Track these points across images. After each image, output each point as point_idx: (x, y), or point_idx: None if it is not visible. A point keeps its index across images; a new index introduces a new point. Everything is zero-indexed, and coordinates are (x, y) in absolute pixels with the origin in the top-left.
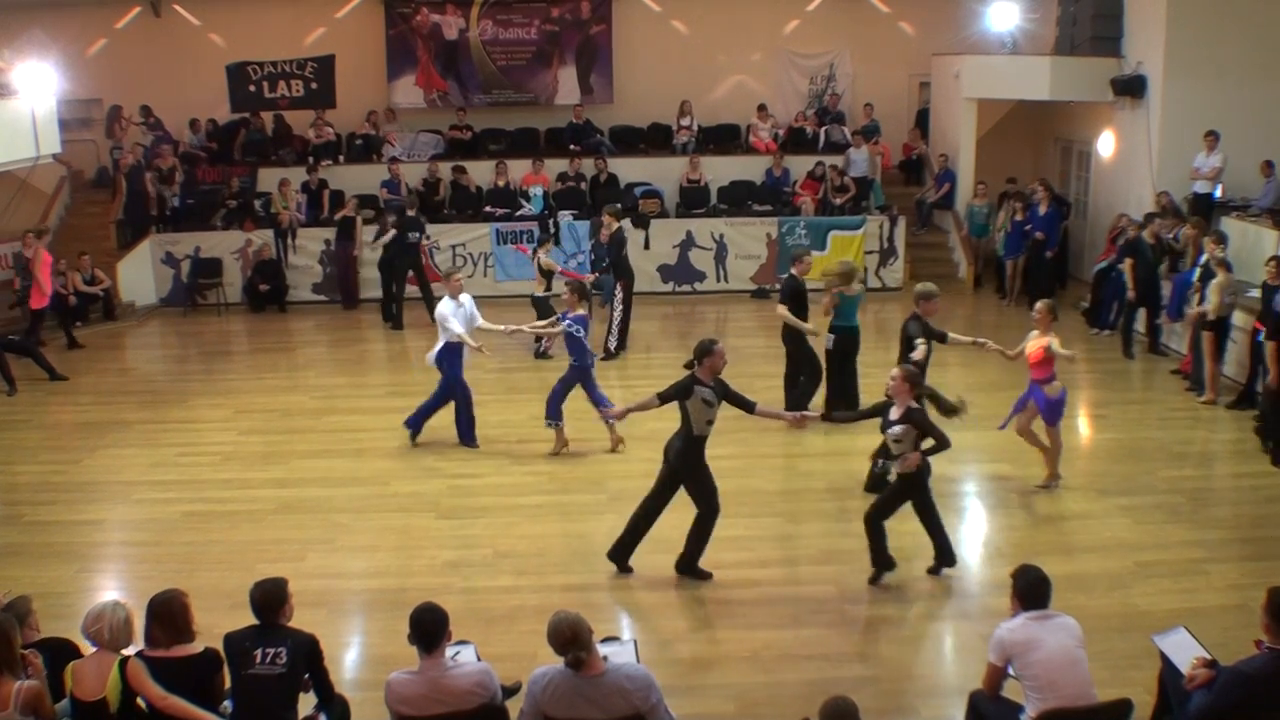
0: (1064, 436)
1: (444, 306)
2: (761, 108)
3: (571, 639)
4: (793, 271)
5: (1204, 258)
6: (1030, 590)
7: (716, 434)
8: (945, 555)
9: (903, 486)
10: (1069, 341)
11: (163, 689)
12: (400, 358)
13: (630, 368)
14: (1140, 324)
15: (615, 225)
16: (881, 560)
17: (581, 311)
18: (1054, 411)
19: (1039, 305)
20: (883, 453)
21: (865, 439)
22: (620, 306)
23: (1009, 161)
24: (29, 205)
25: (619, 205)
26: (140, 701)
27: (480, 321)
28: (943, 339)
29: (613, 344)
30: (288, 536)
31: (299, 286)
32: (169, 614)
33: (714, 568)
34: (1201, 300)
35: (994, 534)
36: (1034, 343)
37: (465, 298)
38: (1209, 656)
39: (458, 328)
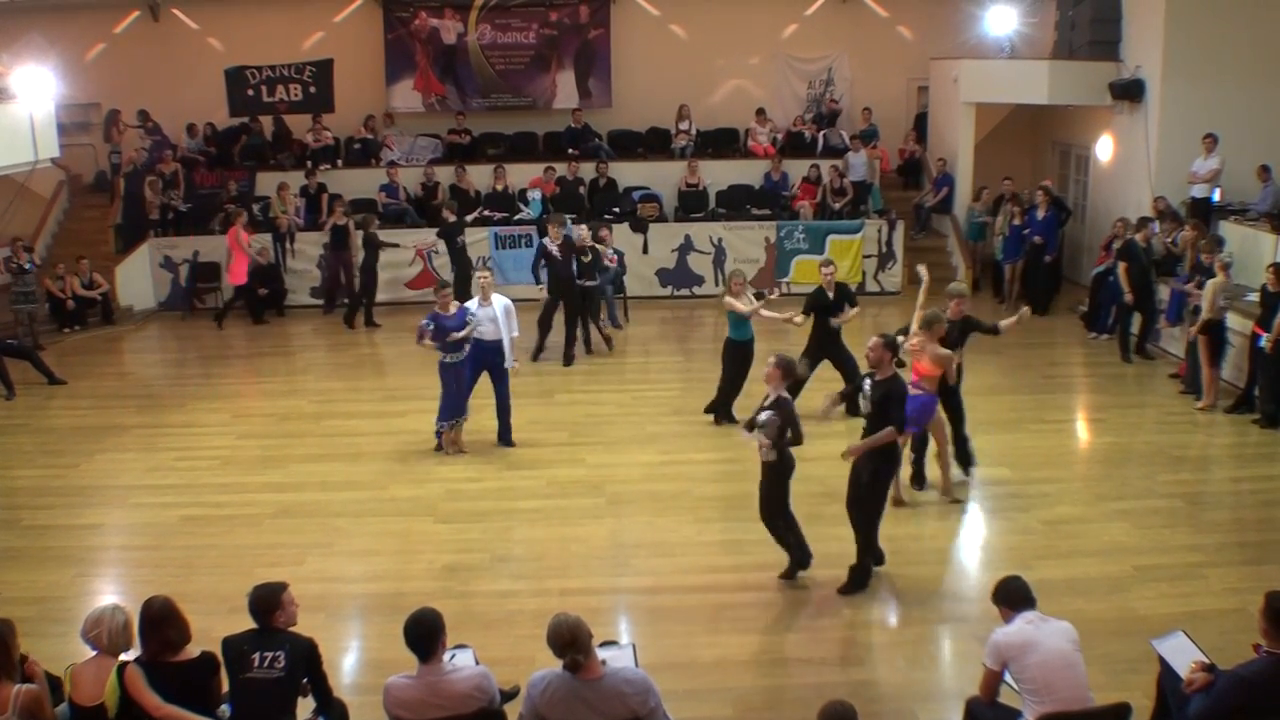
0: (1062, 439)
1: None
2: (760, 112)
3: (570, 641)
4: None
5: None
6: (1011, 595)
7: (712, 436)
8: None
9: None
10: (1068, 345)
11: (159, 698)
12: (399, 362)
13: (629, 371)
14: (1134, 327)
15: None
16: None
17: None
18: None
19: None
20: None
21: None
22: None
23: (1007, 166)
24: (27, 209)
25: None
26: None
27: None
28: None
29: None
30: (286, 540)
31: (297, 290)
32: (165, 619)
33: (712, 572)
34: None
35: (992, 538)
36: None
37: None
38: (1207, 660)
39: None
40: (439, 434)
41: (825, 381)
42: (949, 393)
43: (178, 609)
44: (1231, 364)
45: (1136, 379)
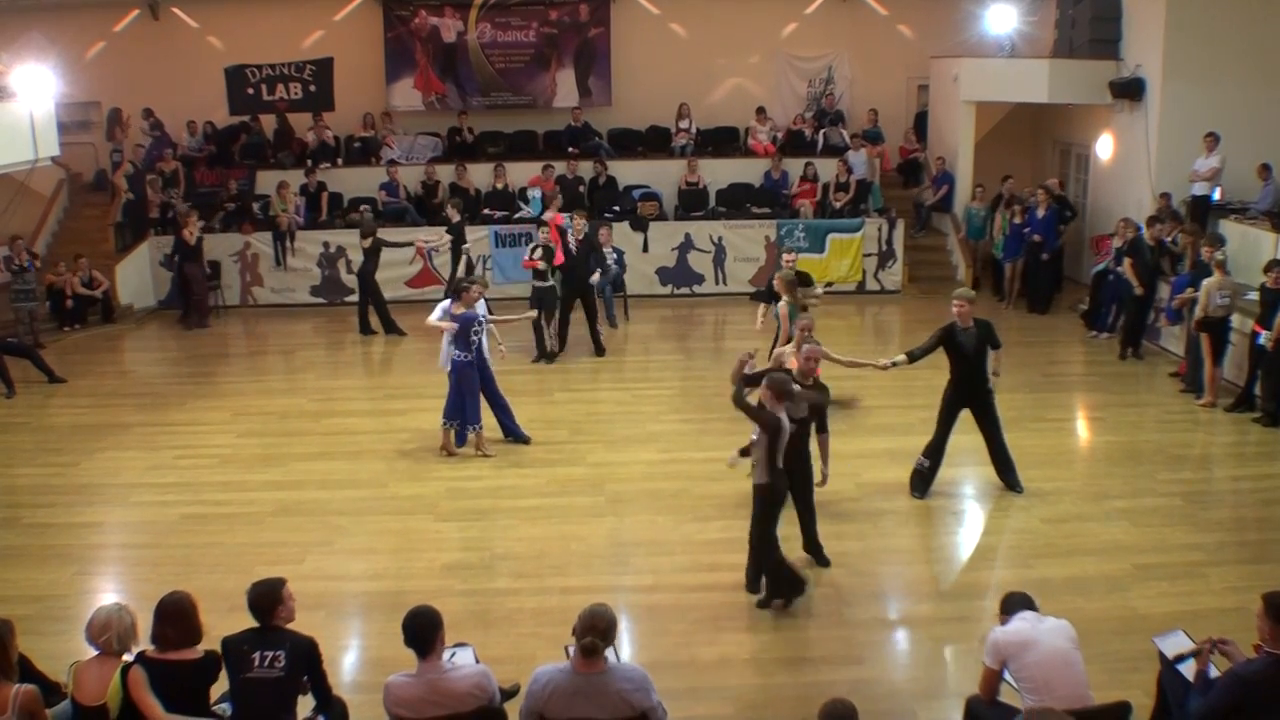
0: (1062, 438)
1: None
2: (760, 110)
3: (604, 630)
4: None
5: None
6: (1013, 605)
7: (717, 435)
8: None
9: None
10: (1068, 344)
11: (161, 707)
12: (399, 361)
13: (629, 370)
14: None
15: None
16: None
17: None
18: None
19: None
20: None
21: (861, 443)
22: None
23: (1007, 164)
24: (27, 208)
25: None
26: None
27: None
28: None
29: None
30: (286, 539)
31: (297, 290)
32: (179, 615)
33: (712, 571)
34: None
35: (992, 537)
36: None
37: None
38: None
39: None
40: (462, 435)
41: (831, 380)
42: None
43: (194, 605)
44: (1232, 362)
45: (1136, 378)
